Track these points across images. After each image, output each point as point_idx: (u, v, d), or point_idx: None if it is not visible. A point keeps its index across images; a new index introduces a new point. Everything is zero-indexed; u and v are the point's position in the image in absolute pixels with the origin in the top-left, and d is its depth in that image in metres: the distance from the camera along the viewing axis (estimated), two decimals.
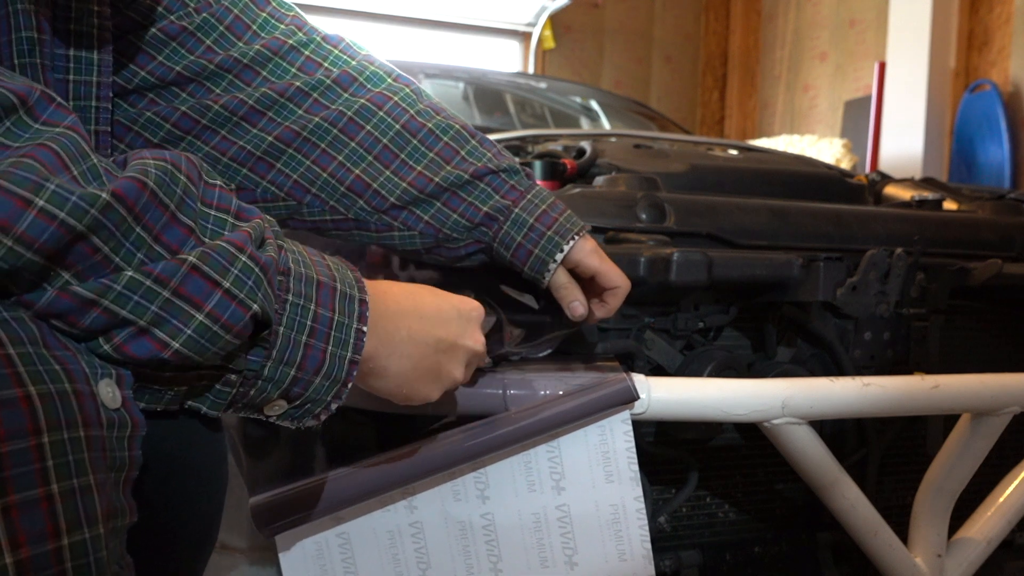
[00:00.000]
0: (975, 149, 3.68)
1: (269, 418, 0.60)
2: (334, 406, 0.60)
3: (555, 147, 1.44)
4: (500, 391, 0.88)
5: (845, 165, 3.34)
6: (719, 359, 1.05)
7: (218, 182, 0.55)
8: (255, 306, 0.52)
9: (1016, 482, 1.13)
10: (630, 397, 0.86)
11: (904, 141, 3.80)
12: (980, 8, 3.86)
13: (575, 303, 0.90)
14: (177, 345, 0.50)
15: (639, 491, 0.88)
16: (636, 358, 1.07)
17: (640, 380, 0.89)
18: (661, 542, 1.16)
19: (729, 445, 1.18)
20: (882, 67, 3.87)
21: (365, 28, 4.98)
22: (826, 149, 3.48)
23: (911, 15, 3.82)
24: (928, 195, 1.47)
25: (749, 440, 1.18)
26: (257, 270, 0.53)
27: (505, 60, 5.41)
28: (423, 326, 0.67)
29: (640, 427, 1.10)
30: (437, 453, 0.81)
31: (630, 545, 0.89)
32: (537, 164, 1.28)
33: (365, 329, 0.60)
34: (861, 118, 4.25)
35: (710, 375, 1.04)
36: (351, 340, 0.59)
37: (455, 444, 0.82)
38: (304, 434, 0.86)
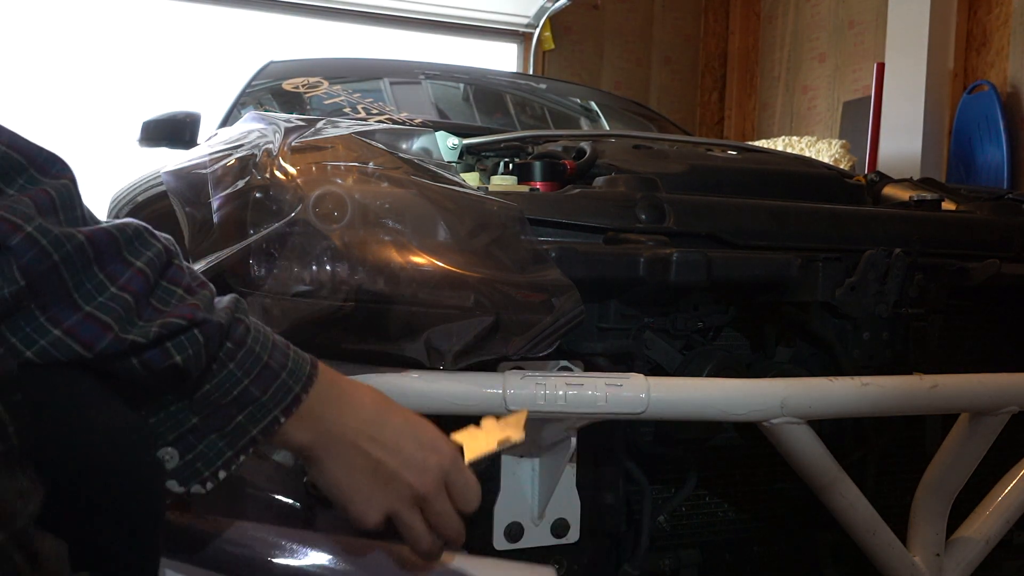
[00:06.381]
0: (973, 150, 3.68)
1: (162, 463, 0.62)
2: (222, 474, 0.63)
3: (555, 148, 1.44)
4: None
5: (844, 166, 3.34)
6: (718, 359, 1.05)
7: (184, 265, 0.61)
8: (205, 315, 0.59)
9: (1014, 482, 1.13)
10: None
11: (903, 142, 3.80)
12: (978, 9, 3.86)
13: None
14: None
15: None
16: (636, 358, 1.07)
17: (640, 380, 0.89)
18: (661, 542, 1.16)
19: (728, 445, 1.18)
20: (880, 68, 3.86)
21: (365, 30, 4.97)
22: (825, 150, 3.48)
23: (910, 16, 3.82)
24: (927, 195, 1.47)
25: (748, 440, 1.18)
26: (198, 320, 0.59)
27: (505, 62, 5.41)
28: (370, 447, 0.67)
29: (640, 427, 1.11)
30: None
31: None
32: (537, 165, 1.28)
33: (283, 421, 0.64)
34: (860, 119, 4.24)
35: (709, 375, 1.04)
36: (263, 422, 0.63)
37: None
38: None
